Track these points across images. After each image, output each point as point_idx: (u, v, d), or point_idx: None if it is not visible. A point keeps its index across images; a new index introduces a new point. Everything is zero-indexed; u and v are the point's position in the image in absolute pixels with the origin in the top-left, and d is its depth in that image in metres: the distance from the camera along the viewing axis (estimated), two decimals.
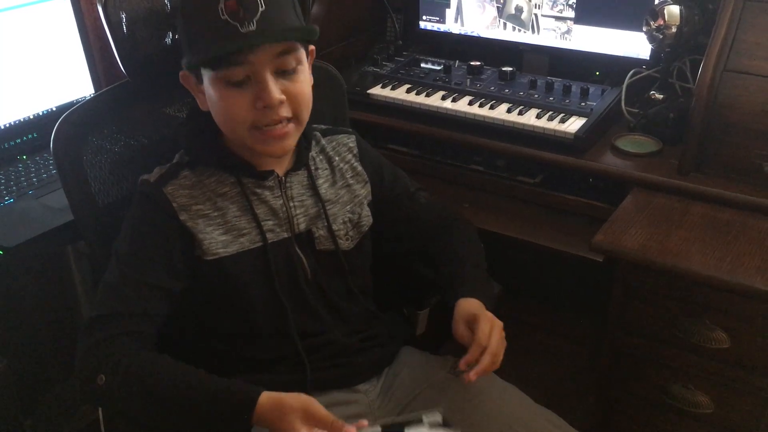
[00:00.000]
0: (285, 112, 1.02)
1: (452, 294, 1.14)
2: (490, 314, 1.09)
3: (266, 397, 0.95)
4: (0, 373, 1.36)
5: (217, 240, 1.07)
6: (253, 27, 0.97)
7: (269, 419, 0.94)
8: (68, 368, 1.03)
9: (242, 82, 1.00)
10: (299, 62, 1.03)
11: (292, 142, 1.07)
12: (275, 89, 1.00)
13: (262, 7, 0.96)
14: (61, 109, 1.62)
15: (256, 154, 1.09)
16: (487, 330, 1.06)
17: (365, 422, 0.95)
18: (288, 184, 1.13)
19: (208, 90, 1.03)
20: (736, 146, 1.39)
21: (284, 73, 1.02)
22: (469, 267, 1.20)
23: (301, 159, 1.14)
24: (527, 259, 1.80)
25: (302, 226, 1.14)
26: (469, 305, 1.10)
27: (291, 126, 1.04)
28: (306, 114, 1.07)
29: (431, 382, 1.17)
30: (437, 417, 0.99)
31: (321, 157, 1.19)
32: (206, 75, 1.02)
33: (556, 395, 1.85)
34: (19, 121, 1.61)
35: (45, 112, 1.65)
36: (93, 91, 1.71)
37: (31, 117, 1.63)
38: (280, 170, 1.13)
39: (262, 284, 1.10)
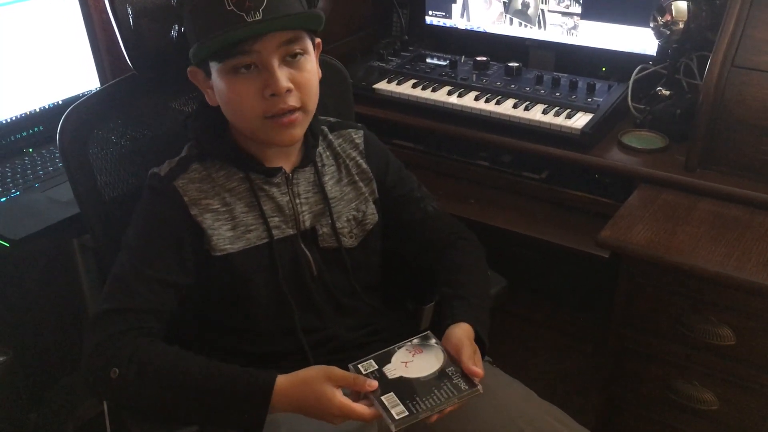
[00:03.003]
0: (293, 101, 1.03)
1: (449, 315, 1.10)
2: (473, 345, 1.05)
3: (282, 378, 0.97)
4: (5, 365, 1.37)
5: (225, 236, 1.08)
6: (259, 16, 0.97)
7: (292, 398, 0.96)
8: (73, 361, 1.03)
9: (250, 73, 1.01)
10: (305, 51, 1.04)
11: (300, 131, 1.08)
12: (282, 77, 1.01)
13: None
14: (67, 102, 1.63)
15: (265, 149, 1.10)
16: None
17: (375, 383, 0.97)
18: (295, 181, 1.13)
19: (217, 83, 1.04)
20: (743, 142, 1.38)
21: (291, 62, 1.02)
22: (472, 292, 1.16)
23: (308, 155, 1.14)
24: (532, 254, 1.80)
25: (307, 223, 1.14)
26: (466, 336, 1.06)
27: (299, 115, 1.04)
28: (313, 105, 1.07)
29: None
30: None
31: (328, 153, 1.18)
32: (214, 68, 1.03)
33: (560, 391, 1.86)
34: (26, 114, 1.61)
35: (51, 105, 1.65)
36: (99, 85, 1.71)
37: (37, 110, 1.63)
38: (288, 167, 1.13)
39: (268, 280, 1.11)
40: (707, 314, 1.30)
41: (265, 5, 0.98)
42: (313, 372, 0.97)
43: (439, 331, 1.09)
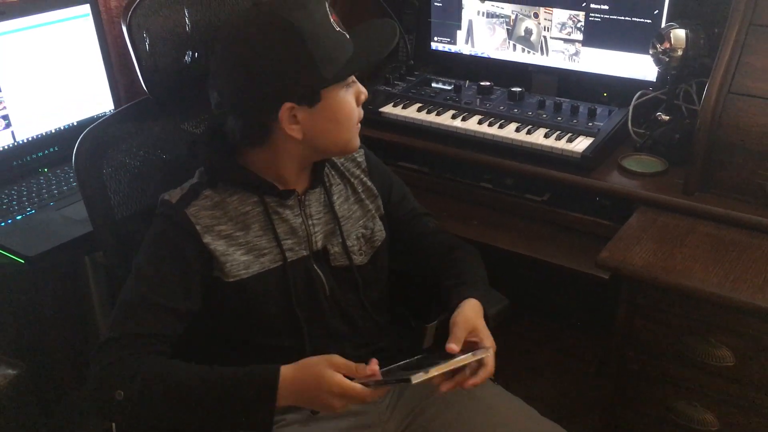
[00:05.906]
0: None
1: (456, 296, 1.15)
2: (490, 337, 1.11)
3: (286, 368, 0.99)
4: (17, 379, 1.38)
5: (239, 261, 1.09)
6: (345, 32, 1.07)
7: (296, 384, 0.98)
8: (84, 376, 1.05)
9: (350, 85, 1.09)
10: None
11: None
12: None
13: None
14: (82, 123, 1.68)
15: (279, 173, 1.12)
16: (489, 344, 1.08)
17: (376, 367, 0.99)
18: (307, 203, 1.15)
19: (329, 104, 1.06)
20: (740, 167, 1.41)
21: None
22: (472, 276, 1.22)
23: (318, 177, 1.17)
24: (534, 275, 1.81)
25: (319, 244, 1.16)
26: (473, 310, 1.12)
27: None
28: None
29: (440, 394, 1.19)
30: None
31: (333, 172, 1.21)
32: (331, 89, 1.06)
33: (561, 411, 1.85)
34: (42, 135, 1.65)
35: (66, 127, 1.69)
36: (113, 107, 1.75)
37: (53, 131, 1.67)
38: (300, 189, 1.15)
39: (281, 302, 1.12)
40: (706, 335, 1.31)
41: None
42: (315, 358, 1.00)
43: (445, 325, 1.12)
